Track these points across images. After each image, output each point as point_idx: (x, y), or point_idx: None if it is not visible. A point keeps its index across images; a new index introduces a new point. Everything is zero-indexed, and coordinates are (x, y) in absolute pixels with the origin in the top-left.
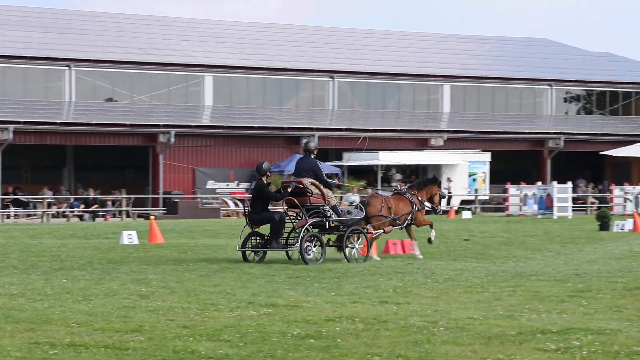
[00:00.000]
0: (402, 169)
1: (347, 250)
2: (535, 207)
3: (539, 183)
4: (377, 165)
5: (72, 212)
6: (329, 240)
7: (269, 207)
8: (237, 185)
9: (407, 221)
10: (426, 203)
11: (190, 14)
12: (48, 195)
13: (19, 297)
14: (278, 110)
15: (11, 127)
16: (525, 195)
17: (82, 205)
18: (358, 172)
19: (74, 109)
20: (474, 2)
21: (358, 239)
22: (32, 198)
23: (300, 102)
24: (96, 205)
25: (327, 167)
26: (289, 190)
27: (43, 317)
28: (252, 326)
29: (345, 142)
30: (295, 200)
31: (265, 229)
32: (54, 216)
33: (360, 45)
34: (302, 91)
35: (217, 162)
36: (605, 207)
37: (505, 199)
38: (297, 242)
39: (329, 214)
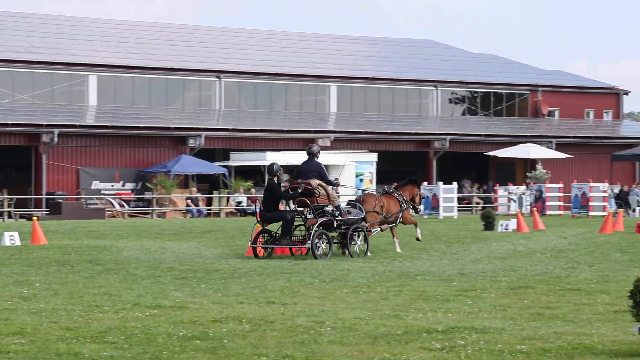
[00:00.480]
0: (290, 169)
1: (351, 246)
2: (422, 207)
3: (425, 183)
4: (264, 166)
5: None
6: (332, 237)
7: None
8: (123, 185)
9: (398, 219)
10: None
11: (74, 12)
12: None
13: None
14: (164, 110)
15: None
16: None
17: None
18: (245, 173)
19: None
20: (360, 3)
21: (359, 236)
22: None
23: (187, 102)
24: None
25: (214, 167)
26: (299, 191)
27: None
28: (137, 328)
29: (233, 142)
30: (307, 201)
31: (271, 227)
32: None
33: (247, 45)
34: (188, 91)
35: (102, 163)
36: (490, 207)
37: None
38: (309, 240)
39: (336, 214)
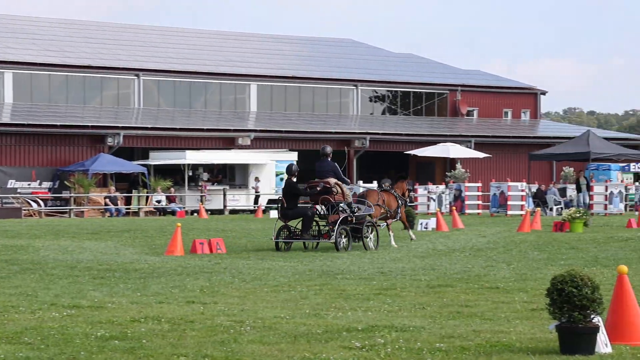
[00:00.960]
0: (210, 168)
1: (364, 240)
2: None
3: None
4: (184, 165)
5: None
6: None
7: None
8: (40, 184)
9: (398, 214)
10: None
11: None
12: None
13: None
14: (82, 109)
15: None
16: None
17: None
18: (165, 171)
19: None
20: (280, 2)
21: (371, 230)
22: None
23: (105, 100)
24: None
25: (132, 165)
26: (318, 189)
27: None
28: (54, 328)
29: (151, 140)
30: (330, 198)
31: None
32: None
33: (165, 43)
34: (106, 89)
35: (18, 161)
36: (410, 206)
37: None
38: (333, 234)
39: (355, 210)
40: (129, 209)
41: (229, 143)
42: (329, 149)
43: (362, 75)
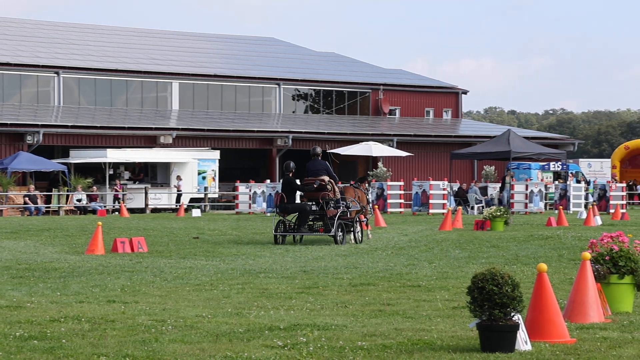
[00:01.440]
0: (131, 166)
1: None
2: (264, 205)
3: (268, 181)
4: (105, 163)
5: None
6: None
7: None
8: None
9: (370, 210)
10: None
11: None
12: None
13: None
14: (0, 106)
15: None
16: (255, 192)
17: None
18: (85, 170)
19: None
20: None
21: (359, 225)
22: None
23: (24, 97)
24: None
25: (52, 164)
26: (315, 186)
27: None
28: None
29: (72, 139)
30: (331, 195)
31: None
32: None
33: (85, 40)
34: (25, 87)
35: None
36: None
37: (235, 197)
38: (333, 228)
39: (350, 205)
40: (48, 207)
41: (150, 141)
42: (319, 150)
43: (285, 73)
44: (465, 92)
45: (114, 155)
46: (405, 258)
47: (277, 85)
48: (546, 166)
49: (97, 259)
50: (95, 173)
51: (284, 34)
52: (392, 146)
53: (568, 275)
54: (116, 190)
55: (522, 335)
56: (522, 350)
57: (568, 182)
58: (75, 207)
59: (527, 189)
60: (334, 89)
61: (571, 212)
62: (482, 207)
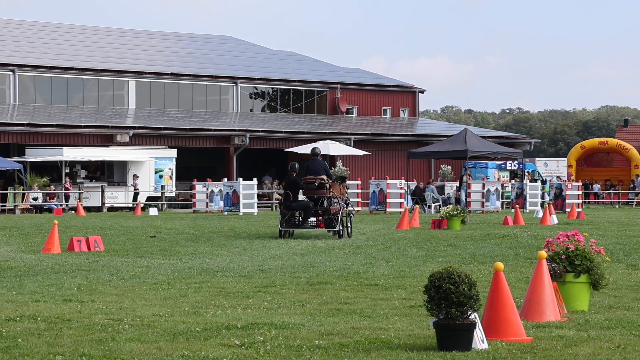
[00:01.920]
0: (88, 165)
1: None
2: (222, 203)
3: (225, 180)
4: (61, 162)
5: None
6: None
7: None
8: None
9: (351, 207)
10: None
11: None
12: None
13: None
14: None
15: None
16: (212, 191)
17: None
18: (41, 168)
19: None
20: None
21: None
22: None
23: None
24: None
25: (8, 162)
26: (316, 184)
27: None
28: None
29: (28, 137)
30: (334, 192)
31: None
32: None
33: (41, 38)
34: None
35: None
36: None
37: (192, 196)
38: (337, 223)
39: (349, 202)
40: (4, 206)
41: (107, 140)
42: (318, 150)
43: (242, 72)
44: (422, 91)
45: (70, 154)
46: (363, 257)
47: (234, 84)
48: (503, 165)
49: (53, 258)
50: (51, 171)
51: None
52: (350, 145)
53: (524, 274)
54: (66, 189)
55: (478, 334)
56: (478, 349)
57: (524, 181)
58: (31, 205)
59: (484, 188)
60: (292, 87)
61: (528, 211)
62: (439, 206)
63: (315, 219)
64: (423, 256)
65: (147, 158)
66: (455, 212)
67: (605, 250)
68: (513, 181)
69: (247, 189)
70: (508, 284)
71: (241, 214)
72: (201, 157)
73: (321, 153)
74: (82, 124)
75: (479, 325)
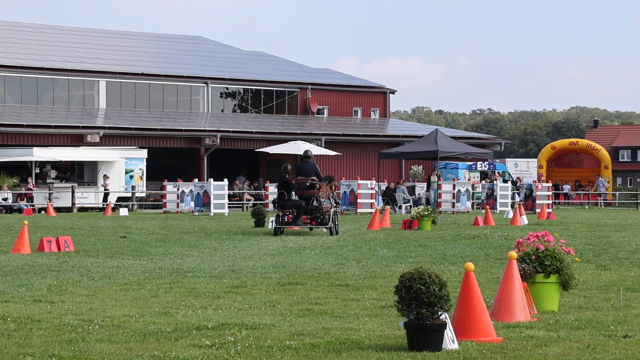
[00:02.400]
0: (58, 165)
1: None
2: (192, 204)
3: (196, 180)
4: (31, 162)
5: None
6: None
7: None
8: None
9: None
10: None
11: None
12: None
13: None
14: None
15: None
16: (183, 192)
17: None
18: (11, 168)
19: None
20: None
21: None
22: None
23: None
24: None
25: None
26: (307, 185)
27: None
28: None
29: None
30: (328, 192)
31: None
32: None
33: (10, 38)
34: None
35: None
36: (261, 203)
37: (163, 196)
38: (329, 222)
39: (339, 202)
40: None
41: (77, 140)
42: (310, 152)
43: (213, 72)
44: (393, 92)
45: (40, 154)
46: (334, 257)
47: (205, 84)
48: (473, 166)
49: (23, 258)
50: (21, 172)
51: (212, 33)
52: (320, 145)
53: (495, 274)
54: (29, 189)
55: (449, 334)
56: (449, 349)
57: (495, 182)
58: (1, 206)
59: (454, 189)
60: (263, 88)
61: (498, 211)
62: (410, 206)
63: (307, 216)
64: (394, 257)
65: (117, 158)
66: (426, 213)
67: (575, 251)
68: (483, 182)
69: (218, 190)
70: (478, 284)
71: (212, 214)
72: (172, 158)
73: (312, 155)
74: (52, 124)
75: (449, 326)
